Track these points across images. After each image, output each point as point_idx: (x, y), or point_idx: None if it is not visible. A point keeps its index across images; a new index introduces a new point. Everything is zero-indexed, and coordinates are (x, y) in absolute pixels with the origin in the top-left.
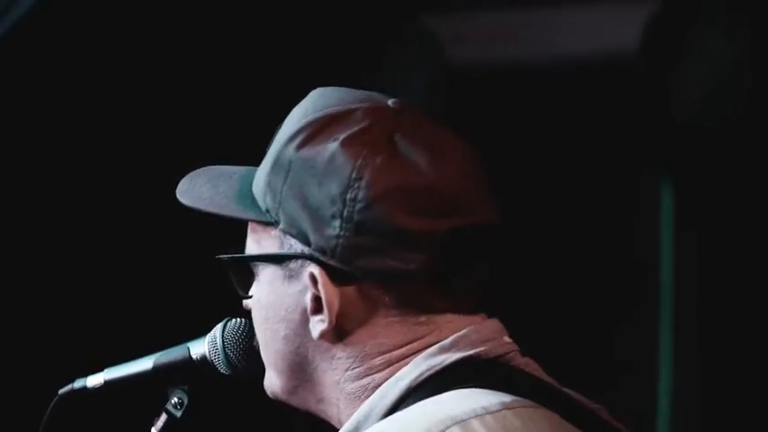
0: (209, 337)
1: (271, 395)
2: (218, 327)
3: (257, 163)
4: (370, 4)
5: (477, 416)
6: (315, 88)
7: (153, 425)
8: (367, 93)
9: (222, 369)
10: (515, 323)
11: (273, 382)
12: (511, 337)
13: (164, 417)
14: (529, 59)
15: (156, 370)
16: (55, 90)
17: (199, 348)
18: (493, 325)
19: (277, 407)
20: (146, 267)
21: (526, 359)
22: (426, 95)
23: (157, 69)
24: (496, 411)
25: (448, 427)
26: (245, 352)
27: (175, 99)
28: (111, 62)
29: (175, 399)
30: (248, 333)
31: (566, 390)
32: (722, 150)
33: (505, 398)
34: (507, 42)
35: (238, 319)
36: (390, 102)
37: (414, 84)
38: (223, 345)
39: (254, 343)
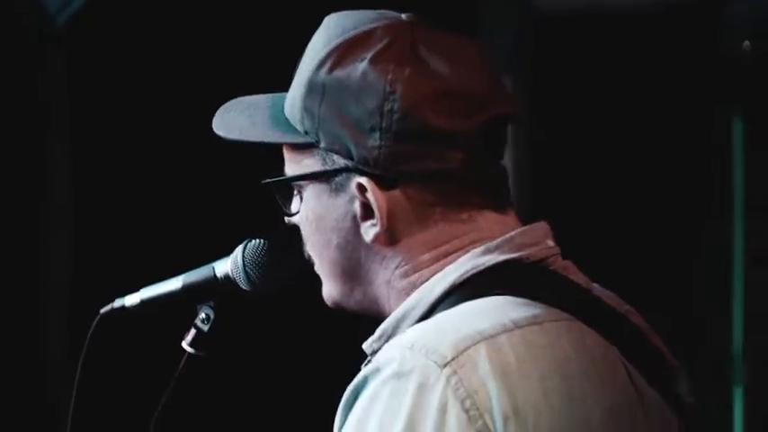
0: (231, 256)
1: (331, 304)
2: (239, 247)
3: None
4: None
5: (505, 331)
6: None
7: (184, 339)
8: (378, 12)
9: (243, 286)
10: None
11: (331, 290)
12: (555, 239)
13: (193, 331)
14: (608, 6)
15: (185, 288)
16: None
17: (222, 267)
18: (540, 228)
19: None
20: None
21: (565, 262)
22: (516, 38)
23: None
24: (525, 326)
25: (476, 343)
26: (263, 270)
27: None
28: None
29: (203, 314)
30: (266, 252)
31: (600, 291)
32: None
33: (536, 310)
34: None
35: (257, 240)
36: (404, 16)
37: (504, 27)
38: (243, 263)
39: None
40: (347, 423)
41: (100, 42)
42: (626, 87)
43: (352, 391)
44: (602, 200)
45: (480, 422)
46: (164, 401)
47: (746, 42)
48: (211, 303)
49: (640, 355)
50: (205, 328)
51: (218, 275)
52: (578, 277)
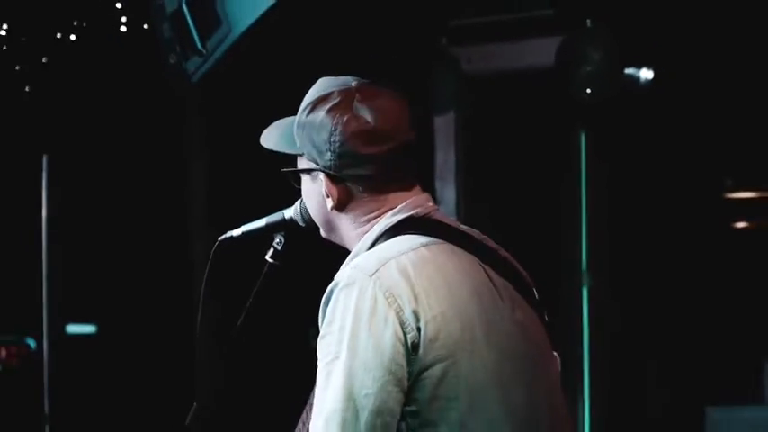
0: (294, 206)
1: (324, 237)
2: (299, 201)
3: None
4: (422, 42)
5: (403, 253)
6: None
7: (266, 255)
8: (344, 78)
9: (300, 223)
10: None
11: (323, 231)
12: (434, 202)
13: (272, 250)
14: (507, 71)
15: (267, 225)
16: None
17: (289, 212)
18: (424, 196)
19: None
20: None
21: (441, 214)
22: (455, 91)
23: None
24: (416, 249)
25: (388, 261)
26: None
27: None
28: None
29: (278, 239)
30: None
31: (465, 227)
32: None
33: (424, 240)
34: (495, 61)
35: None
36: (354, 82)
37: (446, 85)
38: (301, 209)
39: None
40: (324, 321)
41: (225, 92)
42: (520, 122)
43: (325, 300)
44: (503, 187)
45: (396, 304)
46: (254, 292)
47: (588, 90)
48: (283, 233)
49: (493, 261)
50: (279, 247)
51: (286, 217)
52: (450, 221)
